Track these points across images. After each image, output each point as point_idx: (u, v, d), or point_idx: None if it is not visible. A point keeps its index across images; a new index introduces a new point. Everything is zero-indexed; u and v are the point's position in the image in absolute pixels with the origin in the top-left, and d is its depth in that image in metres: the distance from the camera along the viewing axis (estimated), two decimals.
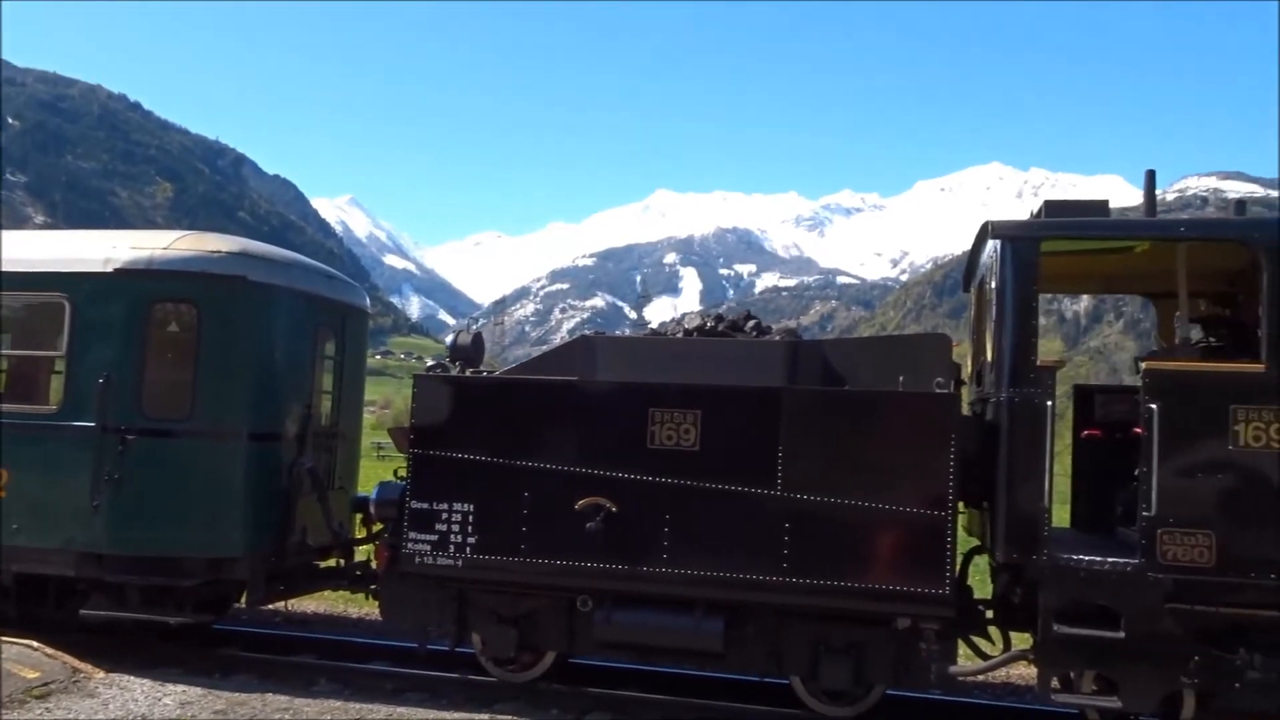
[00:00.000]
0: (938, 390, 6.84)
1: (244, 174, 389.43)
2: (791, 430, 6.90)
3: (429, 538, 7.45)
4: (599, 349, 7.64)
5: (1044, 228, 6.92)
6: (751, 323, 7.85)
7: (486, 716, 7.46)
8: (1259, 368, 6.29)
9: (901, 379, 6.94)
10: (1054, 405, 6.60)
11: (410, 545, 7.49)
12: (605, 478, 7.14)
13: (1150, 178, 7.49)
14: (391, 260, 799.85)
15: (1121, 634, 6.38)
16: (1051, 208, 7.20)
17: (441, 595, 7.75)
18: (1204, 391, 6.35)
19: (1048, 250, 7.01)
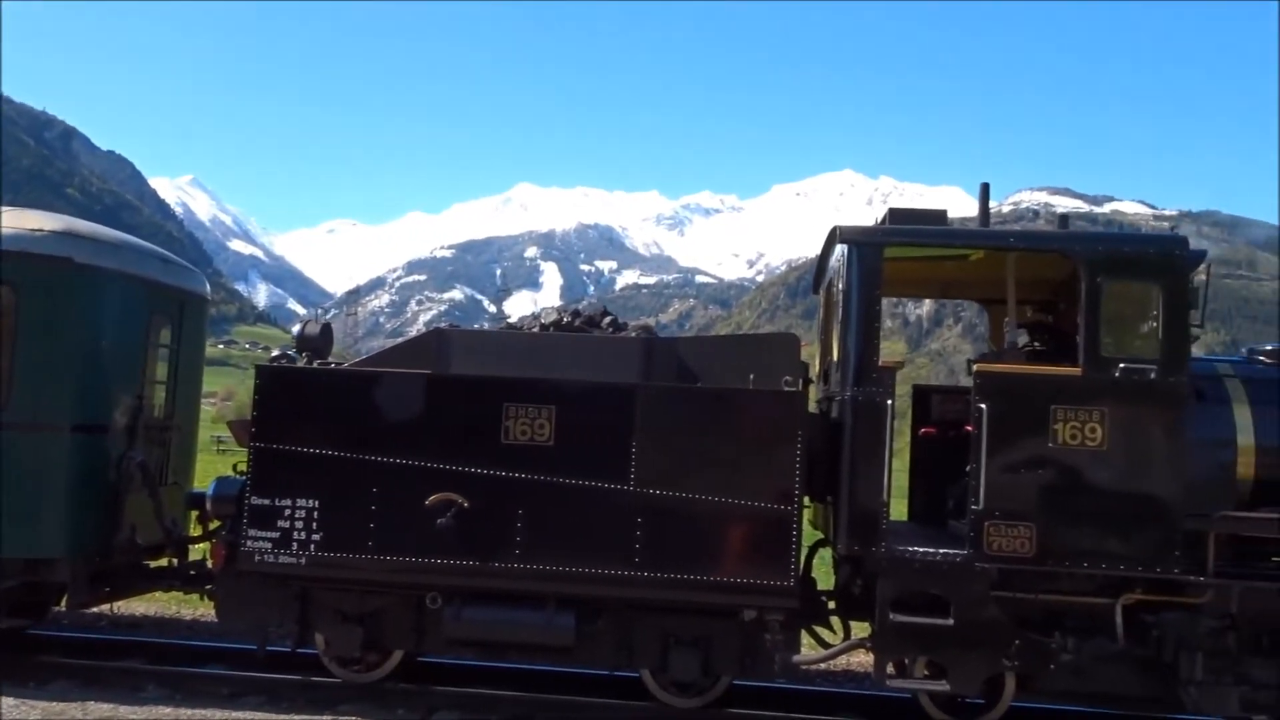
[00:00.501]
0: (786, 388, 7.06)
1: (74, 149, 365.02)
2: (645, 426, 6.98)
3: (270, 535, 7.18)
4: (453, 342, 7.53)
5: (887, 234, 7.23)
6: (608, 319, 7.90)
7: (329, 718, 7.24)
8: (1076, 371, 6.75)
9: (752, 377, 7.12)
10: (894, 404, 6.90)
11: (249, 543, 7.21)
12: (457, 473, 7.05)
13: (984, 190, 7.93)
14: (237, 245, 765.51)
15: (951, 621, 6.74)
16: (895, 215, 7.53)
17: (283, 594, 7.48)
18: (1027, 393, 6.77)
19: (891, 256, 7.32)
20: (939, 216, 7.53)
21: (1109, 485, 6.64)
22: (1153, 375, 6.66)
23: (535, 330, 7.78)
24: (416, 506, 7.03)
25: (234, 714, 7.18)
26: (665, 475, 6.97)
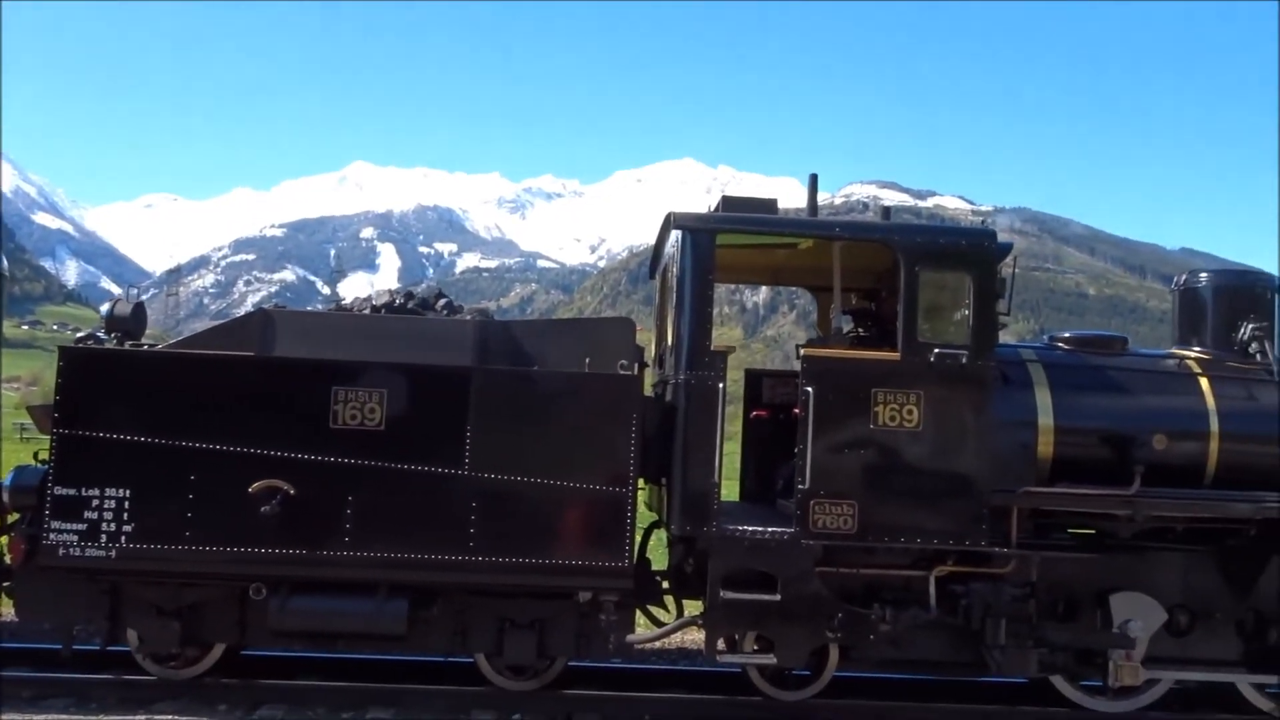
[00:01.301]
0: (621, 372, 7.13)
1: None
2: (480, 410, 6.91)
3: (76, 527, 6.72)
4: (278, 323, 7.23)
5: (720, 221, 7.39)
6: (443, 301, 7.76)
7: (144, 718, 6.85)
8: (895, 356, 7.11)
9: (588, 360, 7.15)
10: (725, 387, 7.08)
11: (53, 536, 6.73)
12: (283, 459, 6.79)
13: (813, 181, 8.23)
14: (43, 219, 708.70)
15: (778, 597, 6.99)
16: (728, 203, 7.70)
17: (91, 590, 7.02)
18: (850, 376, 7.07)
19: (723, 242, 7.49)
20: (770, 205, 7.75)
21: (924, 464, 7.02)
22: (964, 360, 7.08)
23: (366, 312, 7.55)
24: (239, 494, 6.73)
25: (36, 717, 6.70)
26: (500, 459, 6.92)
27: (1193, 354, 8.08)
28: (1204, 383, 7.74)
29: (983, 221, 7.87)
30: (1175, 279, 8.79)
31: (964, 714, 7.43)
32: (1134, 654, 7.38)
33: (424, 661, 8.01)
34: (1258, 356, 7.86)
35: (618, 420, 7.02)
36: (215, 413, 6.84)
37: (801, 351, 7.35)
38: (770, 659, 7.13)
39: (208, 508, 6.78)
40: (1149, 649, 7.46)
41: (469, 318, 7.48)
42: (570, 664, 7.67)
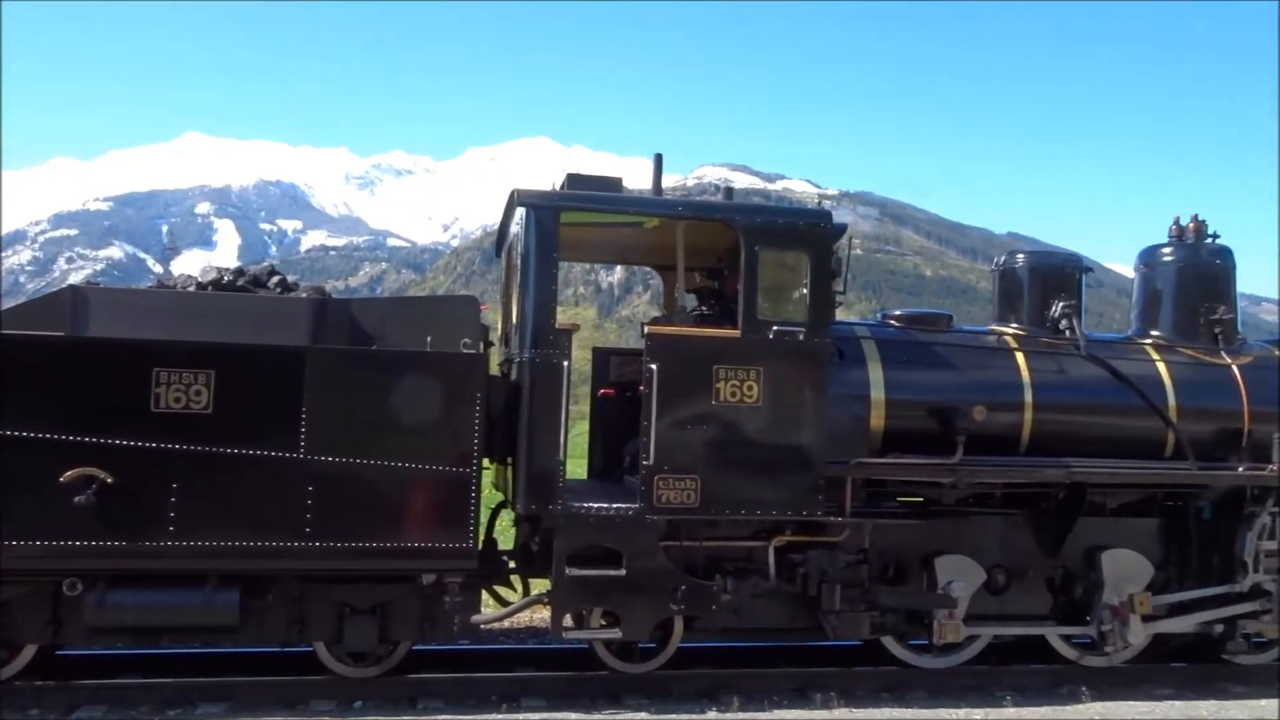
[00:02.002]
0: (465, 351, 7.02)
1: None
2: (316, 391, 6.67)
3: None
4: (91, 301, 6.77)
5: (564, 198, 7.35)
6: (276, 279, 7.44)
7: None
8: (735, 334, 7.26)
9: (430, 339, 7.01)
10: (570, 365, 7.07)
11: None
12: (99, 445, 6.37)
13: (658, 160, 8.26)
14: None
15: (623, 572, 7.06)
16: (573, 181, 7.67)
17: None
18: (693, 354, 7.19)
19: (568, 220, 7.47)
20: (615, 184, 7.76)
21: (763, 438, 7.21)
22: (801, 337, 7.29)
23: (191, 289, 7.16)
24: (49, 484, 6.28)
25: None
26: (339, 441, 6.70)
27: (1010, 330, 8.58)
28: (1020, 357, 8.24)
29: (819, 202, 8.10)
30: (995, 260, 9.32)
31: (801, 677, 7.70)
32: (956, 613, 7.84)
33: (259, 653, 7.72)
34: (1067, 332, 8.43)
35: (461, 400, 6.92)
36: (18, 397, 6.34)
37: (645, 330, 7.42)
38: (616, 633, 7.20)
39: (15, 499, 6.30)
40: (970, 607, 7.92)
41: (304, 295, 7.19)
42: (415, 648, 7.56)
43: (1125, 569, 8.16)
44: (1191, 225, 9.17)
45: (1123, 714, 7.11)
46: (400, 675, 7.29)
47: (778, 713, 6.99)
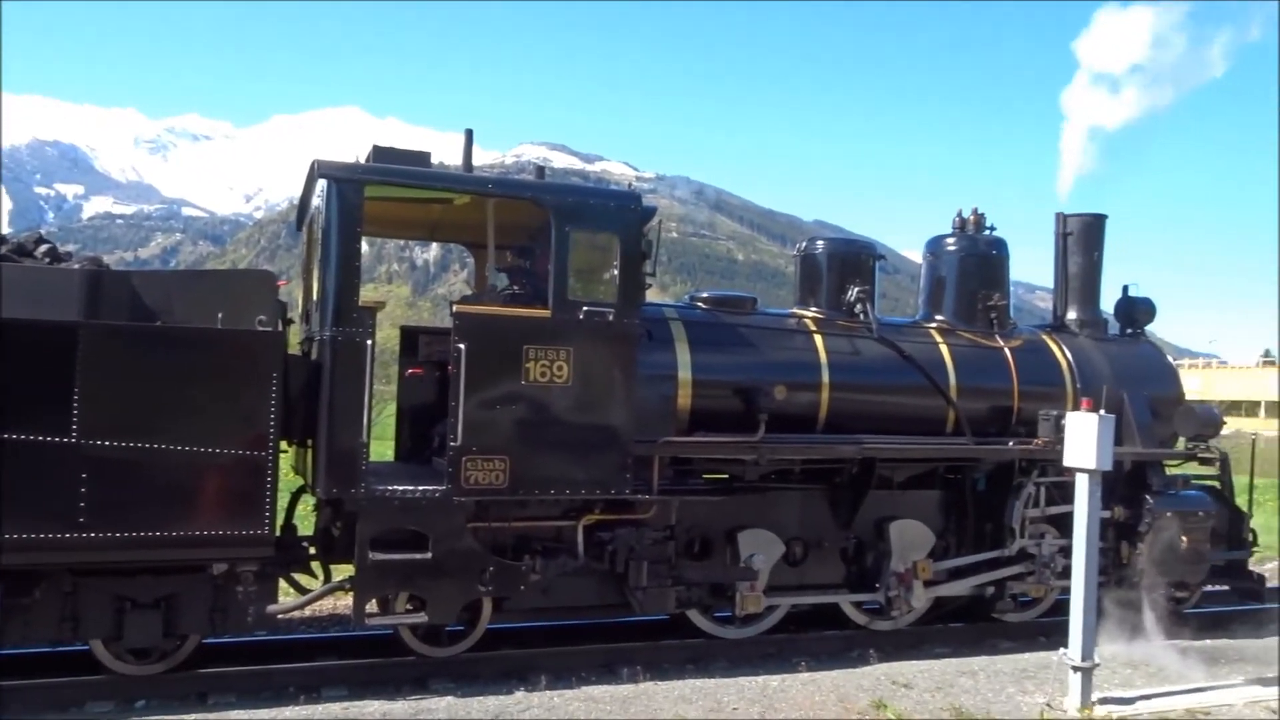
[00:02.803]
0: (260, 328, 6.67)
1: None
2: (90, 370, 6.16)
3: None
4: None
5: (368, 172, 7.09)
6: (44, 248, 6.80)
7: None
8: (545, 313, 7.24)
9: (221, 315, 6.61)
10: (374, 344, 6.85)
11: None
12: None
13: (469, 136, 8.12)
14: None
15: (429, 555, 6.94)
16: (378, 153, 7.41)
17: None
18: (502, 333, 7.12)
19: (374, 195, 7.22)
20: (423, 158, 7.56)
21: (573, 418, 7.24)
22: (611, 318, 7.35)
23: None
24: None
25: None
26: (118, 425, 6.23)
27: (810, 313, 8.98)
28: (818, 339, 8.63)
29: (631, 185, 8.17)
30: (796, 246, 9.70)
31: (608, 653, 7.82)
32: (757, 584, 8.17)
33: (29, 654, 7.11)
34: (861, 316, 8.89)
35: (256, 379, 6.58)
36: None
37: (453, 308, 7.28)
38: (422, 618, 7.08)
39: None
40: (770, 579, 8.27)
41: (76, 266, 6.62)
42: (208, 641, 7.17)
43: (910, 538, 8.74)
44: (972, 218, 9.87)
45: (906, 672, 7.60)
46: (189, 670, 6.88)
47: (585, 689, 7.06)
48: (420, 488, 6.98)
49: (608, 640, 8.24)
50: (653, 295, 8.09)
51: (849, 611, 8.80)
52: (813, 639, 8.51)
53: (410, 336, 8.87)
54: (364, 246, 7.24)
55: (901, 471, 8.96)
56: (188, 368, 6.43)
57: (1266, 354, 74.82)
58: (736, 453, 8.00)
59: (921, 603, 8.77)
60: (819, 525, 8.69)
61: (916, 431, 8.79)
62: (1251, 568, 10.23)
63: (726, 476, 8.50)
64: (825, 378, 8.46)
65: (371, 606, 7.06)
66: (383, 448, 9.65)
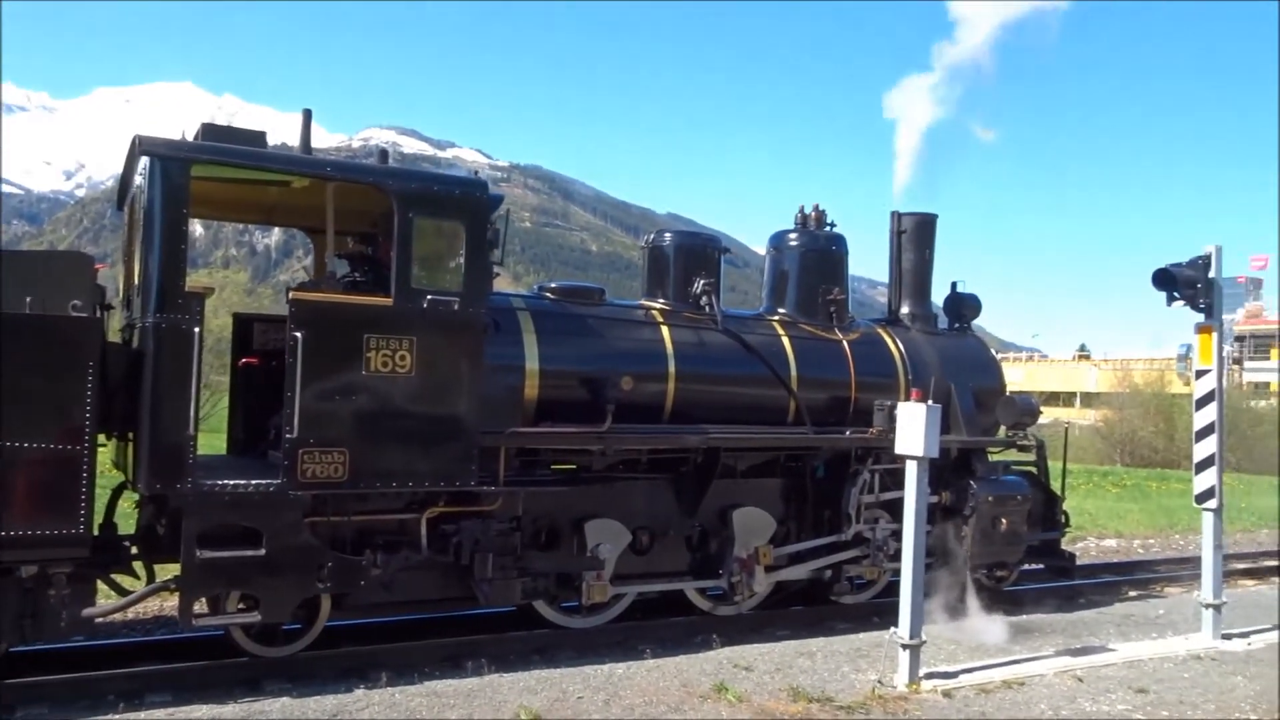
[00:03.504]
0: (74, 314, 6.24)
1: None
2: None
3: None
4: None
5: (196, 150, 6.72)
6: None
7: None
8: (388, 302, 7.05)
9: (29, 300, 6.14)
10: (202, 332, 6.51)
11: None
12: None
13: (307, 116, 7.79)
14: None
15: (262, 551, 6.65)
16: (208, 131, 7.05)
17: None
18: (342, 322, 6.89)
19: (201, 174, 6.85)
20: (258, 138, 7.22)
21: (416, 409, 7.07)
22: (456, 307, 7.22)
23: None
24: None
25: None
26: None
27: (657, 305, 9.08)
28: (665, 330, 8.74)
29: (478, 173, 8.04)
30: (644, 238, 9.79)
31: (453, 646, 7.70)
32: (604, 574, 8.21)
33: None
34: (706, 308, 9.05)
35: (70, 368, 6.15)
36: None
37: (290, 295, 7.00)
38: (254, 617, 6.78)
39: None
40: (616, 568, 8.33)
41: None
42: (15, 650, 6.66)
43: (752, 525, 8.97)
44: (813, 214, 10.19)
45: (747, 655, 7.81)
46: None
47: (429, 684, 6.93)
48: (253, 482, 6.69)
49: (453, 634, 8.12)
50: (506, 285, 8.01)
51: (694, 598, 8.97)
52: (658, 626, 8.62)
53: (245, 324, 8.49)
54: (196, 229, 6.86)
55: (744, 460, 9.18)
56: None
57: (1082, 348, 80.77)
58: (583, 443, 8.01)
59: (763, 587, 9.02)
60: (665, 514, 8.81)
61: (759, 421, 9.02)
62: (1064, 547, 10.99)
63: (574, 467, 8.50)
64: (671, 368, 8.58)
65: (201, 607, 6.73)
66: (216, 440, 9.21)
